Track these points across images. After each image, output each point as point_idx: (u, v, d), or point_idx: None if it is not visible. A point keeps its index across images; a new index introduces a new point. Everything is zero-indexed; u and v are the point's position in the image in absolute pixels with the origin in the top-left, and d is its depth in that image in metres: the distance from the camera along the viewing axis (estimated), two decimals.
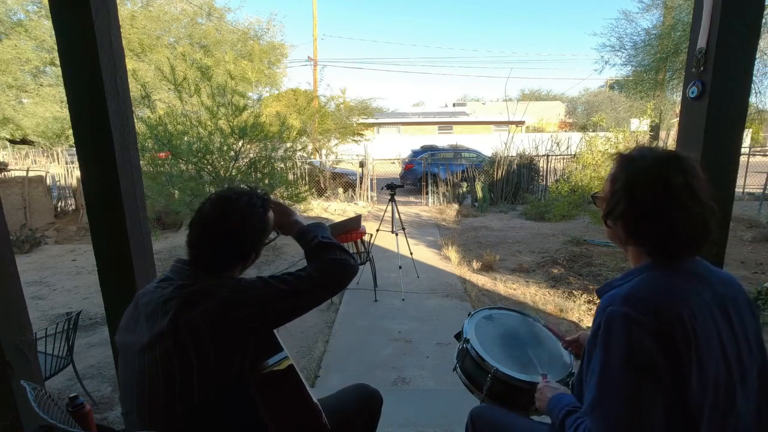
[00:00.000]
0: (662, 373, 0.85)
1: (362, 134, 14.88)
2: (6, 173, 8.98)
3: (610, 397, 0.87)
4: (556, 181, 9.49)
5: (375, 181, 11.40)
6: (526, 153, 10.74)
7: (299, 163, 10.61)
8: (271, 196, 1.33)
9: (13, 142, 15.67)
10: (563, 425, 1.00)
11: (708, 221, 0.95)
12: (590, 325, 3.79)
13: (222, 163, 5.61)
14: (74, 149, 1.93)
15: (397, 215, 4.96)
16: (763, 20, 5.36)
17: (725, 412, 0.89)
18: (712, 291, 0.94)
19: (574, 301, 4.14)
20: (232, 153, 5.66)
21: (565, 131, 22.65)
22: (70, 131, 1.89)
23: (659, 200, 0.94)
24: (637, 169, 0.98)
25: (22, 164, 13.09)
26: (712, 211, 0.96)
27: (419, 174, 12.30)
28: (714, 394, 0.88)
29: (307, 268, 1.19)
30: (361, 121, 14.89)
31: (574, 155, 10.02)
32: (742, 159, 8.72)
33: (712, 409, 0.87)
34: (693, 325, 0.87)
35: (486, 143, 14.43)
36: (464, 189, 10.64)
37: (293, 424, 1.15)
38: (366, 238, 4.59)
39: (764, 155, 13.27)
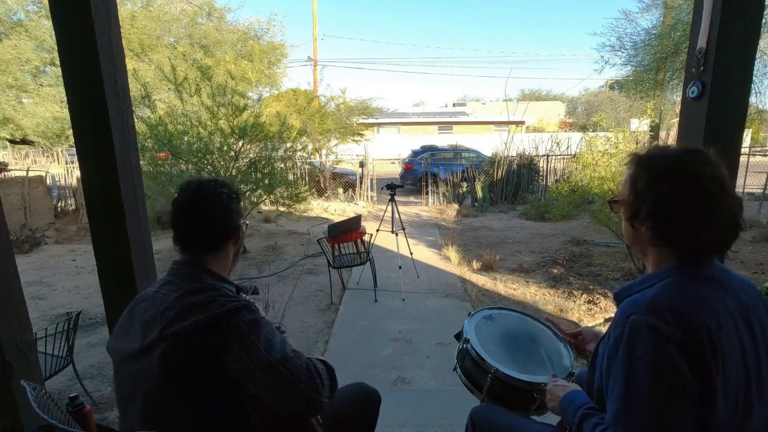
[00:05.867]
0: (690, 386, 0.82)
1: (362, 134, 14.88)
2: (6, 173, 8.97)
3: (636, 411, 0.83)
4: (556, 181, 9.48)
5: (375, 181, 11.40)
6: (526, 153, 10.74)
7: (299, 163, 10.61)
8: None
9: (13, 142, 15.68)
10: (581, 429, 0.97)
11: (737, 214, 0.91)
12: (590, 324, 3.76)
13: (222, 163, 5.61)
14: (74, 149, 1.93)
15: (397, 215, 4.95)
16: (763, 20, 5.36)
17: (742, 423, 0.87)
18: (735, 298, 0.90)
19: (574, 301, 4.13)
20: (232, 153, 5.65)
21: (565, 131, 22.65)
22: (70, 131, 1.88)
23: (689, 195, 0.90)
24: (660, 165, 0.94)
25: (22, 164, 13.09)
26: (740, 204, 0.92)
27: (419, 174, 12.30)
28: (734, 406, 0.85)
29: (309, 365, 1.11)
30: (361, 121, 14.89)
31: (574, 155, 10.01)
32: (742, 159, 8.72)
33: (731, 420, 0.85)
34: (719, 336, 0.84)
35: (486, 143, 14.43)
36: (464, 189, 10.64)
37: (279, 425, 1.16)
38: (366, 238, 4.59)
39: (764, 155, 13.26)
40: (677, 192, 0.90)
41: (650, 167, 0.95)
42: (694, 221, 0.90)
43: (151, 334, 1.04)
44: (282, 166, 6.33)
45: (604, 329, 3.53)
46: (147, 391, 1.04)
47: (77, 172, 9.63)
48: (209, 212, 1.17)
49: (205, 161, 5.42)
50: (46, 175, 9.05)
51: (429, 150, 13.00)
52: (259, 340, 1.03)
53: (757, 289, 0.98)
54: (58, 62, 2.77)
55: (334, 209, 9.90)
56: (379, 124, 27.16)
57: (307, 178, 11.07)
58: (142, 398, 1.05)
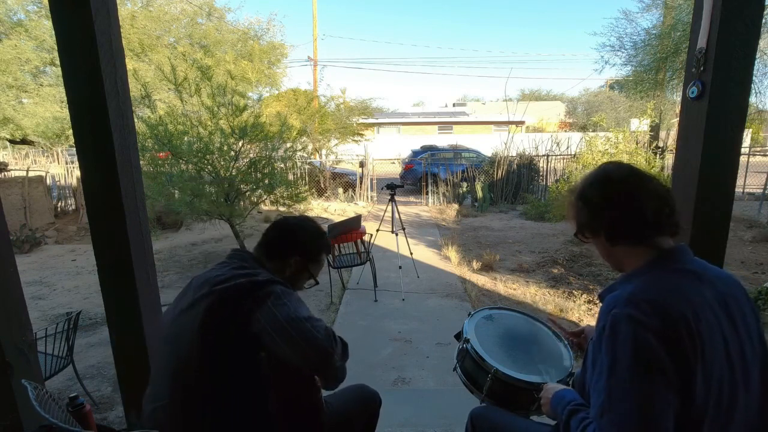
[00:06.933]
0: (670, 374, 0.84)
1: (362, 134, 14.87)
2: (6, 173, 8.98)
3: (619, 400, 0.85)
4: (556, 181, 9.49)
5: (375, 181, 11.40)
6: (526, 153, 10.74)
7: (299, 163, 10.60)
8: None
9: (13, 142, 15.67)
10: (568, 425, 0.98)
11: (663, 193, 1.01)
12: (591, 323, 3.79)
13: (222, 163, 5.60)
14: (74, 149, 1.93)
15: (397, 215, 4.95)
16: (763, 20, 5.36)
17: (728, 411, 0.88)
18: (713, 289, 0.94)
19: (574, 301, 4.14)
20: (233, 153, 5.64)
21: (565, 131, 22.62)
22: (70, 131, 1.88)
23: (607, 189, 1.02)
24: (580, 183, 1.09)
25: (22, 164, 13.10)
26: (664, 186, 1.02)
27: (419, 174, 12.29)
28: (717, 394, 0.87)
29: (328, 327, 1.24)
30: (361, 121, 14.89)
31: (574, 155, 10.01)
32: (742, 159, 8.71)
33: (715, 408, 0.87)
34: (697, 325, 0.86)
35: (486, 143, 14.42)
36: (464, 189, 10.64)
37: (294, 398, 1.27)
38: (366, 238, 4.59)
39: (764, 155, 13.26)
40: (598, 187, 1.04)
41: (573, 192, 1.10)
42: (624, 210, 1.00)
43: (201, 291, 1.21)
44: (282, 166, 6.31)
45: None
46: (185, 346, 1.16)
47: (77, 172, 9.63)
48: (284, 230, 1.42)
49: (205, 161, 5.41)
50: (46, 175, 9.05)
51: (429, 150, 12.99)
52: (290, 302, 1.19)
53: (736, 280, 1.01)
54: (58, 62, 2.76)
55: (334, 209, 9.90)
56: (379, 124, 27.15)
57: (307, 178, 11.05)
58: (180, 355, 1.17)
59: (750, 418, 0.91)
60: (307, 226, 1.45)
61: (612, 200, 1.01)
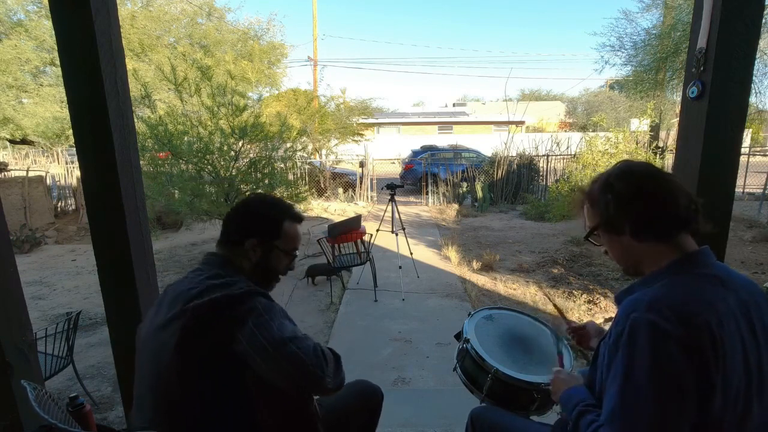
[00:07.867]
0: (689, 384, 0.82)
1: (362, 134, 14.88)
2: (6, 173, 8.98)
3: (632, 408, 0.83)
4: (556, 181, 9.49)
5: (375, 181, 11.40)
6: (526, 153, 10.74)
7: (299, 163, 10.60)
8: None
9: (13, 142, 15.68)
10: (577, 426, 0.97)
11: (686, 190, 0.98)
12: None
13: (222, 163, 5.60)
14: (74, 149, 1.93)
15: (397, 215, 4.96)
16: (763, 20, 5.36)
17: (740, 424, 0.86)
18: (736, 296, 0.91)
19: (574, 301, 4.14)
20: (233, 153, 5.64)
21: (565, 131, 22.61)
22: (70, 131, 1.88)
23: (637, 181, 0.98)
24: (601, 177, 1.04)
25: (22, 164, 13.11)
26: (678, 180, 1.01)
27: (419, 174, 12.30)
28: (733, 406, 0.85)
29: (316, 347, 1.15)
30: (361, 121, 14.90)
31: (574, 155, 10.02)
32: (742, 159, 8.71)
33: (729, 420, 0.85)
34: (721, 334, 0.83)
35: (486, 143, 14.43)
36: (464, 189, 10.64)
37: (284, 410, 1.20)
38: (366, 238, 4.60)
39: (764, 155, 13.27)
40: (627, 179, 0.99)
41: (595, 185, 1.05)
42: (653, 201, 0.96)
43: (175, 309, 1.12)
44: (282, 166, 6.31)
45: (605, 328, 3.53)
46: (164, 366, 1.09)
47: (77, 172, 9.64)
48: (240, 208, 1.30)
49: (206, 161, 5.41)
50: (46, 175, 9.06)
51: (429, 150, 12.99)
52: (273, 320, 1.09)
53: (759, 287, 0.98)
54: (58, 62, 2.76)
55: (334, 209, 9.90)
56: (379, 124, 27.15)
57: (307, 178, 11.05)
58: (160, 374, 1.10)
59: (763, 430, 0.89)
60: (251, 201, 1.32)
61: (642, 191, 0.97)
